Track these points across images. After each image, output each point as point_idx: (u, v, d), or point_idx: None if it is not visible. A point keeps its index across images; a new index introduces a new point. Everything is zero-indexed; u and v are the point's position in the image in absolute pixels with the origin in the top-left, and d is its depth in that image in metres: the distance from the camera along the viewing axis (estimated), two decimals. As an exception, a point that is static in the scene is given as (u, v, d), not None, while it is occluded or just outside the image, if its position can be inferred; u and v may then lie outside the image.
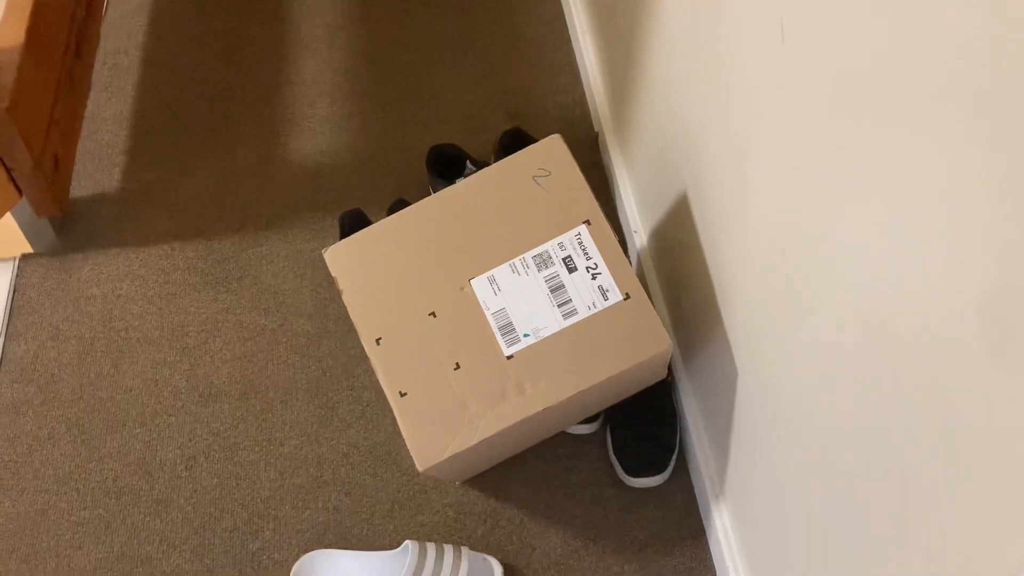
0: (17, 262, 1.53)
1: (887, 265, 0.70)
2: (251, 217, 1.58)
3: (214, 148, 1.68)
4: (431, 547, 1.19)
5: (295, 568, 1.20)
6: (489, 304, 1.10)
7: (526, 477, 1.29)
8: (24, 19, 1.41)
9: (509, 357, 1.08)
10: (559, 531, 1.24)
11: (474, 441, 1.06)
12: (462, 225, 1.13)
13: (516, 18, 1.87)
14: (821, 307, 0.83)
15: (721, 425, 1.16)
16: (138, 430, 1.35)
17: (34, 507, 1.28)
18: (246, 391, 1.38)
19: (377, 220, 1.17)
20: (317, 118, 1.72)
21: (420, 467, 1.07)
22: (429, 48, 1.83)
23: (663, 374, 1.20)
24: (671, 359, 1.28)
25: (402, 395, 1.09)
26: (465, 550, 1.20)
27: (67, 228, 1.57)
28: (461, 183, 1.15)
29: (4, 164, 1.37)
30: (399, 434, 1.34)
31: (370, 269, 1.13)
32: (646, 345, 1.07)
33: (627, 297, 1.08)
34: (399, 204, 1.44)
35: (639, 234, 1.45)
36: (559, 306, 1.08)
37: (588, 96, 1.71)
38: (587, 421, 1.30)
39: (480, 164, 1.49)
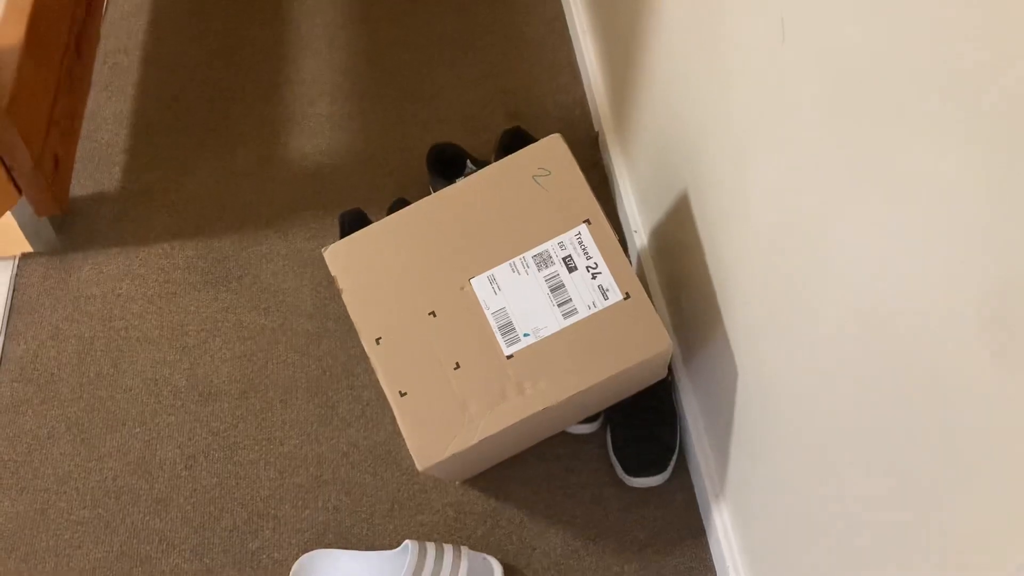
0: (17, 261, 1.53)
1: (887, 265, 0.70)
2: (251, 216, 1.58)
3: (214, 147, 1.68)
4: (431, 547, 1.18)
5: (295, 567, 1.20)
6: (489, 303, 1.10)
7: (526, 477, 1.29)
8: (24, 18, 1.41)
9: (509, 357, 1.08)
10: (559, 531, 1.24)
11: (474, 441, 1.06)
12: (462, 224, 1.13)
13: (516, 18, 1.87)
14: (821, 307, 0.83)
15: (721, 425, 1.16)
16: (138, 429, 1.35)
17: (33, 506, 1.28)
18: (246, 390, 1.38)
19: (377, 219, 1.17)
20: (317, 117, 1.72)
21: (420, 466, 1.07)
22: (429, 47, 1.83)
23: (663, 374, 1.20)
24: (671, 359, 1.28)
25: (402, 394, 1.08)
26: (465, 550, 1.20)
27: (67, 227, 1.57)
28: (461, 182, 1.15)
29: (4, 163, 1.37)
30: (399, 433, 1.34)
31: (370, 268, 1.13)
32: (646, 345, 1.07)
33: (627, 297, 1.08)
34: (399, 203, 1.43)
35: (639, 234, 1.45)
36: (559, 305, 1.08)
37: (588, 96, 1.71)
38: (587, 421, 1.29)
39: (480, 163, 1.49)
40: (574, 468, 1.29)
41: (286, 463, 1.31)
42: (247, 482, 1.30)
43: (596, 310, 1.08)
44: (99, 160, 1.66)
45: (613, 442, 1.28)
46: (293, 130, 1.70)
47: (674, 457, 1.27)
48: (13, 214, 1.50)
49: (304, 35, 1.86)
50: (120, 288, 1.49)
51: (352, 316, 1.12)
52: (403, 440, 1.33)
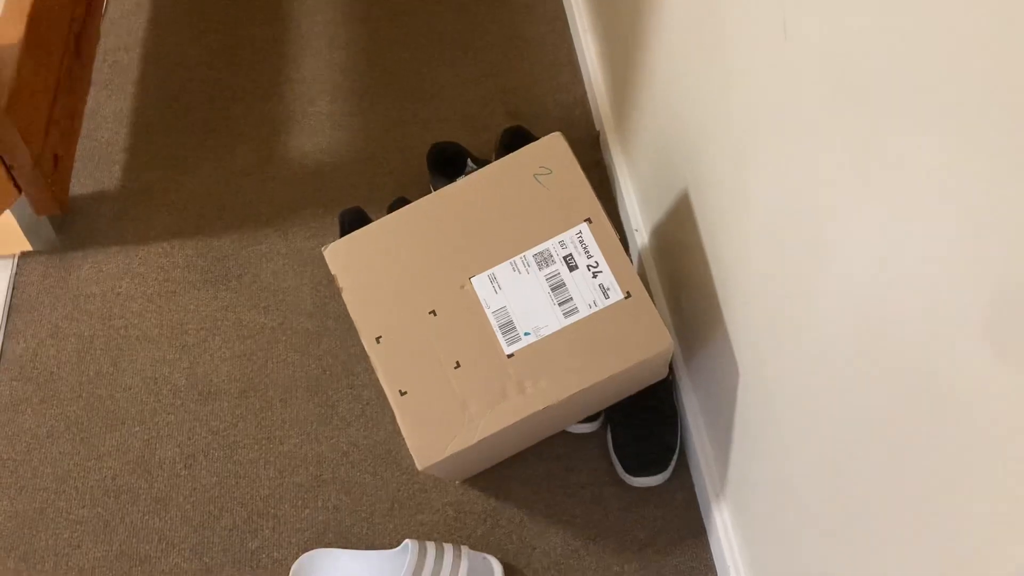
0: (16, 260, 1.52)
1: (889, 264, 0.70)
2: (251, 215, 1.57)
3: (214, 146, 1.67)
4: (431, 546, 1.18)
5: (294, 567, 1.20)
6: (490, 302, 1.09)
7: (526, 476, 1.28)
8: (24, 17, 1.41)
9: (510, 356, 1.08)
10: (559, 530, 1.24)
11: (474, 440, 1.06)
12: (463, 223, 1.12)
13: (517, 17, 1.87)
14: (823, 306, 0.82)
15: (722, 424, 1.16)
16: (137, 428, 1.35)
17: (33, 505, 1.28)
18: (245, 389, 1.38)
19: (377, 218, 1.17)
20: (317, 116, 1.72)
21: (420, 466, 1.07)
22: (430, 46, 1.83)
23: (664, 373, 1.20)
24: (672, 358, 1.27)
25: (402, 394, 1.08)
26: (465, 549, 1.19)
27: (67, 226, 1.56)
28: (462, 181, 1.15)
29: (3, 162, 1.37)
30: (399, 433, 1.33)
31: (370, 267, 1.13)
32: (647, 344, 1.07)
33: (628, 296, 1.08)
34: (399, 202, 1.43)
35: (640, 233, 1.45)
36: (560, 304, 1.08)
37: (589, 95, 1.71)
38: (587, 420, 1.29)
39: (481, 162, 1.49)
40: (574, 467, 1.29)
41: (286, 462, 1.31)
42: (247, 481, 1.30)
43: (597, 309, 1.08)
44: (99, 159, 1.66)
45: (613, 441, 1.28)
46: (293, 129, 1.70)
47: (675, 456, 1.27)
48: (13, 213, 1.50)
49: (304, 34, 1.86)
50: (120, 287, 1.49)
51: (352, 315, 1.12)
52: (403, 439, 1.32)
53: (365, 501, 1.28)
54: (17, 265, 1.52)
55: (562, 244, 1.10)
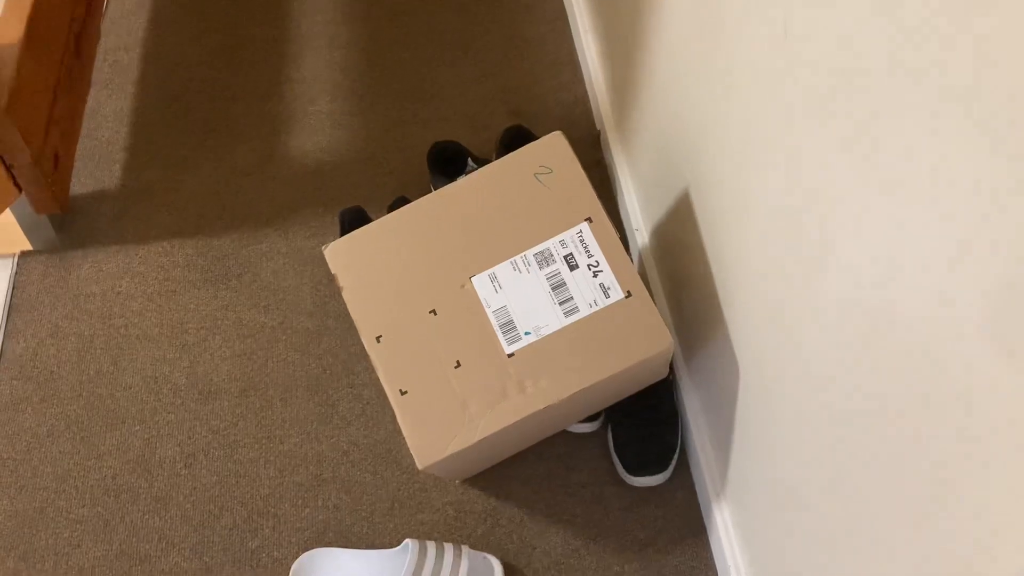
0: (16, 259, 1.52)
1: (890, 263, 0.70)
2: (251, 214, 1.57)
3: (214, 145, 1.67)
4: (431, 545, 1.18)
5: (295, 566, 1.20)
6: (490, 302, 1.09)
7: (526, 476, 1.28)
8: (24, 16, 1.41)
9: (510, 355, 1.07)
10: (559, 530, 1.24)
11: (474, 439, 1.06)
12: (463, 222, 1.12)
13: (517, 16, 1.87)
14: (823, 306, 0.82)
15: (722, 423, 1.16)
16: (137, 427, 1.34)
17: (33, 505, 1.28)
18: (246, 388, 1.38)
19: (377, 218, 1.17)
20: (317, 115, 1.71)
21: (420, 465, 1.07)
22: (430, 46, 1.83)
23: (664, 372, 1.19)
24: (672, 357, 1.27)
25: (402, 393, 1.08)
26: (465, 549, 1.19)
27: (67, 225, 1.56)
28: (462, 180, 1.14)
29: (3, 161, 1.37)
30: (399, 432, 1.33)
31: (370, 266, 1.13)
32: (648, 343, 1.07)
33: (629, 295, 1.08)
34: (400, 202, 1.43)
35: (640, 232, 1.45)
36: (560, 304, 1.08)
37: (590, 94, 1.71)
38: (588, 420, 1.29)
39: (481, 162, 1.49)
40: (575, 467, 1.29)
41: (286, 461, 1.31)
42: (247, 480, 1.30)
43: (597, 308, 1.08)
44: (99, 158, 1.66)
45: (614, 441, 1.28)
46: (293, 128, 1.70)
47: (675, 456, 1.27)
48: (13, 212, 1.50)
49: (305, 33, 1.86)
50: (120, 286, 1.49)
51: (352, 314, 1.12)
52: (403, 439, 1.32)
53: (365, 500, 1.27)
54: (17, 264, 1.52)
55: (563, 243, 1.10)
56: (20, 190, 1.42)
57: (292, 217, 1.57)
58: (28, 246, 1.53)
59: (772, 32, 0.86)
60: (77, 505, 1.28)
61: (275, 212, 1.58)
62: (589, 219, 1.11)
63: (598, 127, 1.65)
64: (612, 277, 1.09)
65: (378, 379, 1.35)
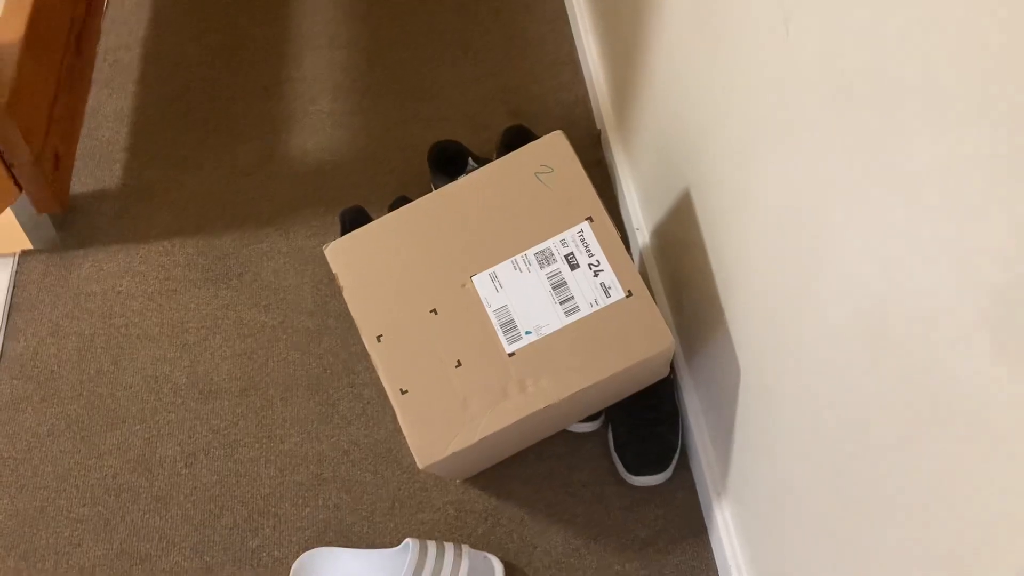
0: (17, 258, 1.52)
1: (892, 264, 0.70)
2: (252, 214, 1.57)
3: (215, 145, 1.67)
4: (432, 545, 1.18)
5: (295, 566, 1.20)
6: (491, 301, 1.09)
7: (527, 475, 1.28)
8: (24, 15, 1.41)
9: (511, 354, 1.07)
10: (560, 529, 1.24)
11: (475, 439, 1.06)
12: (464, 222, 1.12)
13: (518, 16, 1.87)
14: (824, 305, 0.82)
15: (723, 423, 1.16)
16: (138, 427, 1.34)
17: (33, 504, 1.28)
18: (246, 388, 1.38)
19: (378, 217, 1.17)
20: (318, 115, 1.71)
21: (421, 465, 1.07)
22: (431, 46, 1.83)
23: (665, 372, 1.19)
24: (673, 357, 1.27)
25: (403, 392, 1.08)
26: (466, 548, 1.19)
27: (67, 224, 1.56)
28: (463, 180, 1.14)
29: (4, 160, 1.37)
30: (400, 431, 1.33)
31: (371, 266, 1.13)
32: (648, 343, 1.06)
33: (629, 294, 1.08)
34: (400, 201, 1.43)
35: (641, 232, 1.45)
36: (561, 303, 1.08)
37: (590, 94, 1.71)
38: (589, 419, 1.29)
39: (482, 161, 1.49)
40: (575, 466, 1.29)
41: (286, 461, 1.31)
42: (247, 480, 1.29)
43: (598, 308, 1.08)
44: (100, 157, 1.66)
45: (614, 440, 1.28)
46: (294, 128, 1.70)
47: (676, 456, 1.26)
48: (13, 211, 1.50)
49: (305, 32, 1.86)
50: (120, 285, 1.49)
51: (353, 313, 1.12)
52: (404, 438, 1.32)
53: (366, 500, 1.27)
54: (18, 263, 1.52)
55: (563, 243, 1.10)
56: (21, 189, 1.42)
57: (293, 216, 1.57)
58: (29, 245, 1.53)
59: (773, 32, 0.86)
60: (78, 504, 1.28)
61: (276, 211, 1.58)
62: (590, 218, 1.11)
63: (598, 127, 1.65)
64: (613, 276, 1.08)
65: (379, 378, 1.35)
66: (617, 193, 1.55)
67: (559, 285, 1.09)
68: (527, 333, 1.08)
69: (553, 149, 1.14)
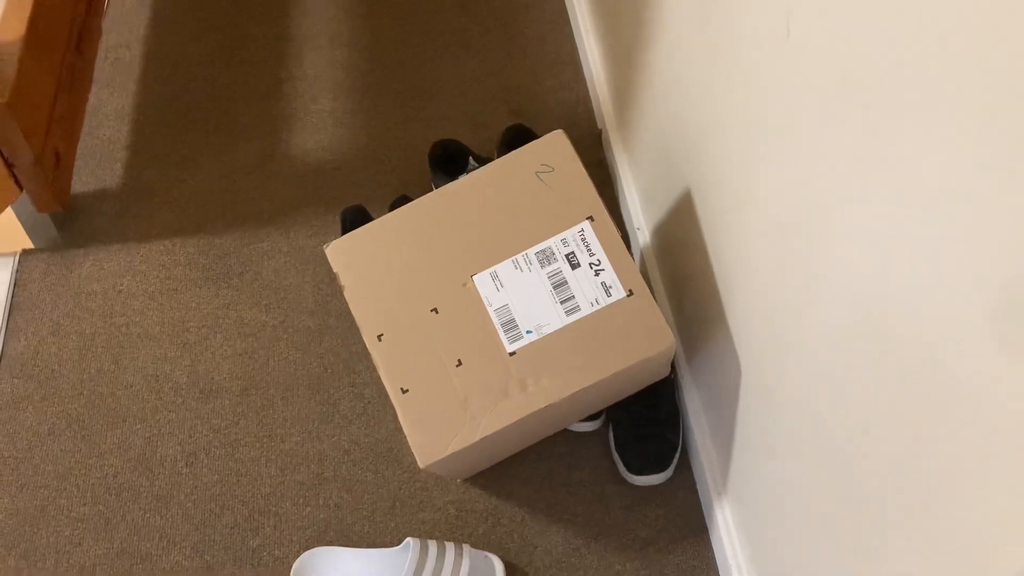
0: (18, 258, 1.52)
1: (893, 261, 0.70)
2: (252, 213, 1.57)
3: (216, 144, 1.67)
4: (432, 544, 1.18)
5: (296, 565, 1.20)
6: (491, 300, 1.09)
7: (528, 475, 1.28)
8: (25, 14, 1.41)
9: (511, 354, 1.07)
10: (561, 529, 1.24)
11: (476, 438, 1.06)
12: (464, 221, 1.12)
13: (519, 15, 1.87)
14: (825, 304, 0.82)
15: (724, 423, 1.16)
16: (138, 426, 1.34)
17: (34, 503, 1.28)
18: (247, 387, 1.38)
19: (379, 216, 1.17)
20: (319, 114, 1.71)
21: (421, 464, 1.07)
22: (431, 44, 1.82)
23: (666, 371, 1.19)
24: (674, 356, 1.27)
25: (404, 392, 1.08)
26: (467, 548, 1.19)
27: (68, 224, 1.56)
28: (464, 179, 1.14)
29: (5, 159, 1.37)
30: (400, 431, 1.33)
31: (372, 265, 1.13)
32: (649, 342, 1.06)
33: (630, 294, 1.08)
34: (401, 200, 1.43)
35: (642, 231, 1.45)
36: (562, 303, 1.08)
37: (591, 93, 1.71)
38: (589, 419, 1.29)
39: (483, 160, 1.49)
40: (576, 466, 1.29)
41: (287, 460, 1.31)
42: (248, 479, 1.29)
43: (599, 307, 1.08)
44: (100, 156, 1.66)
45: (615, 440, 1.28)
46: (295, 127, 1.70)
47: (676, 455, 1.26)
48: (14, 210, 1.50)
49: (306, 31, 1.86)
50: (121, 284, 1.49)
51: (354, 313, 1.12)
52: (405, 437, 1.32)
53: (366, 499, 1.27)
54: (18, 263, 1.52)
55: (564, 242, 1.10)
56: (21, 188, 1.42)
57: (293, 216, 1.57)
58: (29, 244, 1.53)
59: (774, 32, 0.86)
60: (78, 503, 1.28)
61: (276, 211, 1.57)
62: (591, 218, 1.11)
63: (599, 126, 1.65)
64: (614, 276, 1.08)
65: (379, 378, 1.35)
66: (618, 193, 1.55)
67: (560, 284, 1.09)
68: (528, 332, 1.08)
69: (554, 148, 1.14)
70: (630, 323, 1.07)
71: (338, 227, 1.55)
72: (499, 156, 1.37)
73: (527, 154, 1.14)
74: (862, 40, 0.70)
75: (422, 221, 1.13)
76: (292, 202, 1.59)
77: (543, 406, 1.06)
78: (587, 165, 1.14)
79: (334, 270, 1.14)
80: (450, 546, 1.19)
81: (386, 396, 1.36)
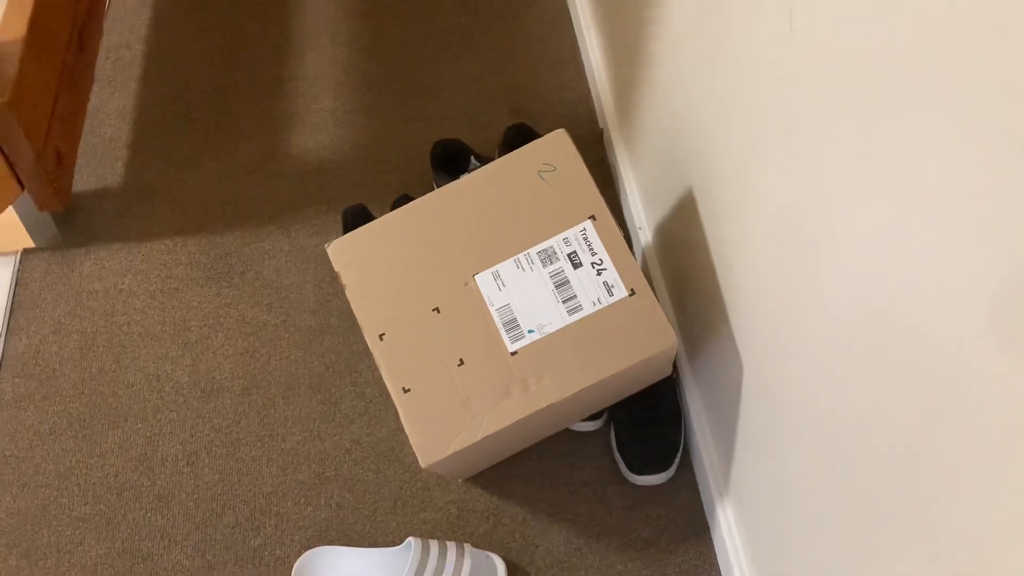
0: (19, 257, 1.52)
1: (895, 261, 0.70)
2: (254, 212, 1.57)
3: (217, 143, 1.67)
4: (434, 544, 1.18)
5: (297, 565, 1.20)
6: (493, 300, 1.09)
7: (529, 474, 1.28)
8: (26, 13, 1.41)
9: (513, 353, 1.07)
10: (562, 529, 1.24)
11: (477, 438, 1.06)
12: (466, 220, 1.12)
13: (520, 14, 1.87)
14: (828, 304, 0.82)
15: (726, 422, 1.16)
16: (139, 425, 1.34)
17: (35, 503, 1.28)
18: (248, 386, 1.38)
19: (380, 215, 1.17)
20: (320, 113, 1.71)
21: (423, 464, 1.06)
22: (433, 44, 1.82)
23: (668, 371, 1.19)
24: (676, 356, 1.27)
25: (405, 391, 1.08)
26: (468, 547, 1.19)
27: (69, 222, 1.56)
28: (465, 178, 1.14)
29: (6, 158, 1.37)
30: (402, 430, 1.33)
31: (373, 264, 1.13)
32: (651, 342, 1.06)
33: (632, 293, 1.08)
34: (402, 200, 1.43)
35: (644, 231, 1.45)
36: (564, 302, 1.08)
37: (593, 92, 1.70)
38: (591, 418, 1.29)
39: (484, 160, 1.49)
40: (577, 466, 1.29)
41: (288, 460, 1.31)
42: (249, 479, 1.29)
43: (601, 307, 1.07)
44: (102, 155, 1.66)
45: (617, 440, 1.28)
46: (296, 126, 1.70)
47: (678, 455, 1.26)
48: (15, 209, 1.50)
49: (307, 31, 1.86)
50: (122, 283, 1.49)
51: (355, 312, 1.12)
52: (406, 437, 1.32)
53: (368, 499, 1.27)
54: (20, 261, 1.52)
55: (566, 241, 1.10)
56: (23, 187, 1.42)
57: (295, 215, 1.57)
58: (31, 243, 1.53)
59: (776, 31, 0.86)
60: (79, 503, 1.28)
61: (278, 210, 1.57)
62: (593, 217, 1.11)
63: (601, 125, 1.65)
64: (616, 275, 1.08)
65: (381, 377, 1.35)
66: (619, 192, 1.55)
67: (562, 284, 1.08)
68: (529, 332, 1.08)
69: (556, 148, 1.14)
70: (632, 322, 1.07)
71: (339, 226, 1.55)
72: (500, 155, 1.37)
73: (529, 153, 1.14)
74: (863, 39, 0.70)
75: (424, 220, 1.13)
76: (293, 201, 1.59)
77: (545, 405, 1.06)
78: (589, 164, 1.14)
79: (335, 269, 1.14)
80: (451, 546, 1.19)
81: (387, 395, 1.36)
